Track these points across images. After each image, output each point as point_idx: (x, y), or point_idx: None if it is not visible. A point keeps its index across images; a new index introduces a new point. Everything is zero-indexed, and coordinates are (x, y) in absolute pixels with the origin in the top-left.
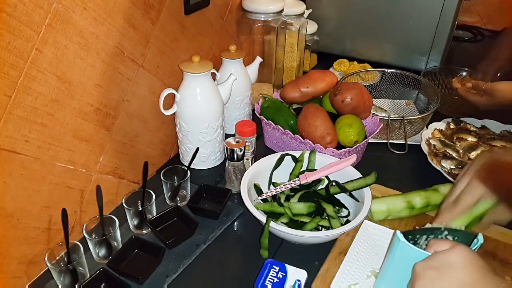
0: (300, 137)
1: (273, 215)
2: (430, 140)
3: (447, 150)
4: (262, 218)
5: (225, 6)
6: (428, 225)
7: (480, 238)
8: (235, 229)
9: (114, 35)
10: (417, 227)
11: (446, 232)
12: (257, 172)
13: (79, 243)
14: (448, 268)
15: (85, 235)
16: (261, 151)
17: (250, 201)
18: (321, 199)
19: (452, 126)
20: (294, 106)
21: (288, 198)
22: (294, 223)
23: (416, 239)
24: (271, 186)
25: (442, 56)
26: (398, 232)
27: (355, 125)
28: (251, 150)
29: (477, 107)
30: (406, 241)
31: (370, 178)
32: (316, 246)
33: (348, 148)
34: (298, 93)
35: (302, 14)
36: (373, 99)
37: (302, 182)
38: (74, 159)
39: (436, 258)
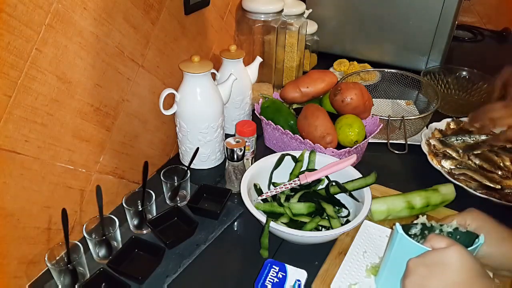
0: (300, 137)
1: (273, 215)
2: (430, 140)
3: (447, 150)
4: (262, 218)
5: (225, 6)
6: (422, 219)
7: (481, 239)
8: (235, 229)
9: (114, 35)
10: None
11: (449, 230)
12: (257, 172)
13: (79, 243)
14: (440, 267)
15: (85, 235)
16: (261, 151)
17: (250, 201)
18: (321, 199)
19: (452, 126)
20: (294, 106)
21: (288, 198)
22: (294, 223)
23: (416, 235)
24: (271, 186)
25: (442, 56)
26: (397, 224)
27: (355, 125)
28: (251, 150)
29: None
30: (404, 234)
31: (370, 178)
32: (316, 246)
33: (348, 148)
34: (298, 93)
35: (302, 14)
36: (373, 99)
37: (302, 182)
38: (74, 159)
39: (431, 255)
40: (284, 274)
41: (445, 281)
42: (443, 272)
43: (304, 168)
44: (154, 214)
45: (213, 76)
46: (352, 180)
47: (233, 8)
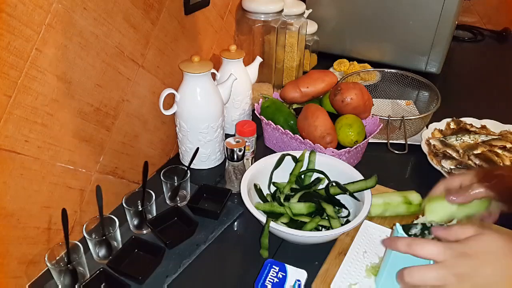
0: (300, 137)
1: (273, 215)
2: (430, 140)
3: (447, 150)
4: (262, 218)
5: (225, 6)
6: (422, 219)
7: None
8: (235, 229)
9: (114, 35)
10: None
11: None
12: (257, 172)
13: (79, 243)
14: (486, 254)
15: (85, 235)
16: (261, 151)
17: (250, 201)
18: (321, 199)
19: (452, 126)
20: (294, 106)
21: (288, 198)
22: (294, 223)
23: (416, 235)
24: None
25: (442, 56)
26: (397, 224)
27: (355, 125)
28: (251, 150)
29: None
30: (404, 234)
31: (371, 182)
32: (316, 246)
33: (348, 148)
34: (298, 93)
35: (302, 14)
36: (373, 99)
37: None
38: (74, 159)
39: (470, 244)
40: (284, 274)
41: (499, 266)
42: (491, 258)
43: (304, 168)
44: (154, 214)
45: (213, 76)
46: (353, 182)
47: (233, 8)
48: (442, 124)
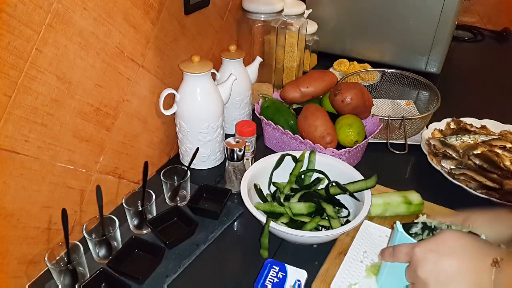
0: (300, 137)
1: (273, 215)
2: (430, 140)
3: (447, 150)
4: (262, 218)
5: (225, 6)
6: (423, 218)
7: (482, 237)
8: (235, 229)
9: (114, 35)
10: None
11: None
12: (257, 172)
13: (79, 243)
14: (445, 248)
15: (85, 235)
16: (261, 151)
17: (250, 201)
18: (321, 199)
19: (452, 126)
20: (294, 106)
21: (288, 198)
22: (294, 223)
23: (417, 234)
24: None
25: (442, 56)
26: (397, 222)
27: (355, 125)
28: (251, 150)
29: None
30: (404, 232)
31: (371, 181)
32: (316, 246)
33: (348, 148)
34: (298, 93)
35: (302, 14)
36: (373, 99)
37: None
38: (74, 159)
39: (430, 242)
40: (284, 274)
41: (456, 258)
42: (450, 250)
43: (304, 168)
44: (154, 214)
45: (213, 76)
46: (353, 182)
47: (233, 8)
48: (442, 124)
